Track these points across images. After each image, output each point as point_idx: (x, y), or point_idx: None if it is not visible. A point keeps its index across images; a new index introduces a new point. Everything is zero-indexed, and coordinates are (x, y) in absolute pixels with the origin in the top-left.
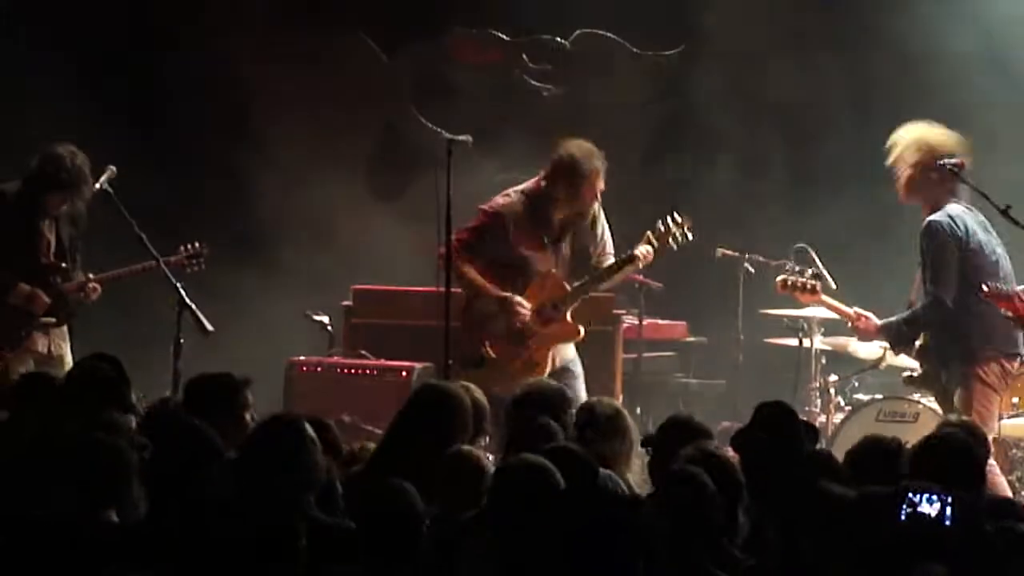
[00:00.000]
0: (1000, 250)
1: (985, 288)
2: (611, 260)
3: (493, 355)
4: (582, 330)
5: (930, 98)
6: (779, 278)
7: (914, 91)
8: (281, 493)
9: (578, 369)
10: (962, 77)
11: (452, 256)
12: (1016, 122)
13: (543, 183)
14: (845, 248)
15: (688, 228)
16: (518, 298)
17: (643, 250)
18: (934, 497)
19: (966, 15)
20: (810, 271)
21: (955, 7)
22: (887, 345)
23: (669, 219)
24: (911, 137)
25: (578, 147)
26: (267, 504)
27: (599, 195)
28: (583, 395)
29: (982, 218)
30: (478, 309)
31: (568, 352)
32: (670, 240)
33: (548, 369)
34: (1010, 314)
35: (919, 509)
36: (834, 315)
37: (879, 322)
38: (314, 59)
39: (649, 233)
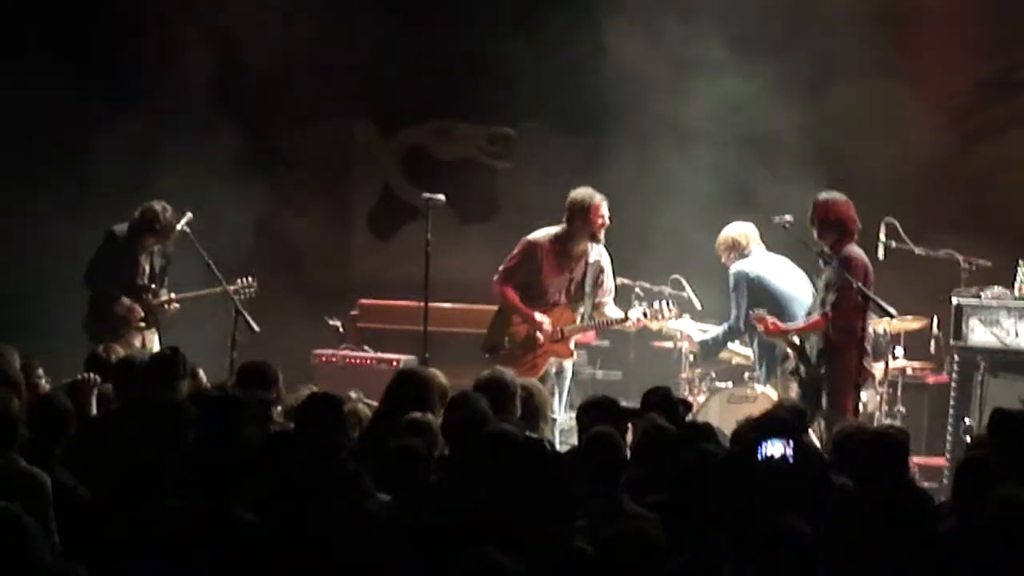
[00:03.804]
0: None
1: (751, 313)
2: (609, 301)
3: (507, 351)
4: (574, 352)
5: None
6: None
7: None
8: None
9: (569, 372)
10: None
11: (499, 281)
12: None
13: (564, 224)
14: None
15: (671, 318)
16: (546, 319)
17: (635, 316)
18: (778, 441)
19: None
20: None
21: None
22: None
23: (665, 304)
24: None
25: (581, 189)
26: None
27: (606, 222)
28: (565, 388)
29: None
30: (507, 317)
31: (566, 361)
32: (653, 322)
33: (544, 370)
34: (762, 328)
35: (770, 451)
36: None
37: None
38: (334, 137)
39: (646, 306)
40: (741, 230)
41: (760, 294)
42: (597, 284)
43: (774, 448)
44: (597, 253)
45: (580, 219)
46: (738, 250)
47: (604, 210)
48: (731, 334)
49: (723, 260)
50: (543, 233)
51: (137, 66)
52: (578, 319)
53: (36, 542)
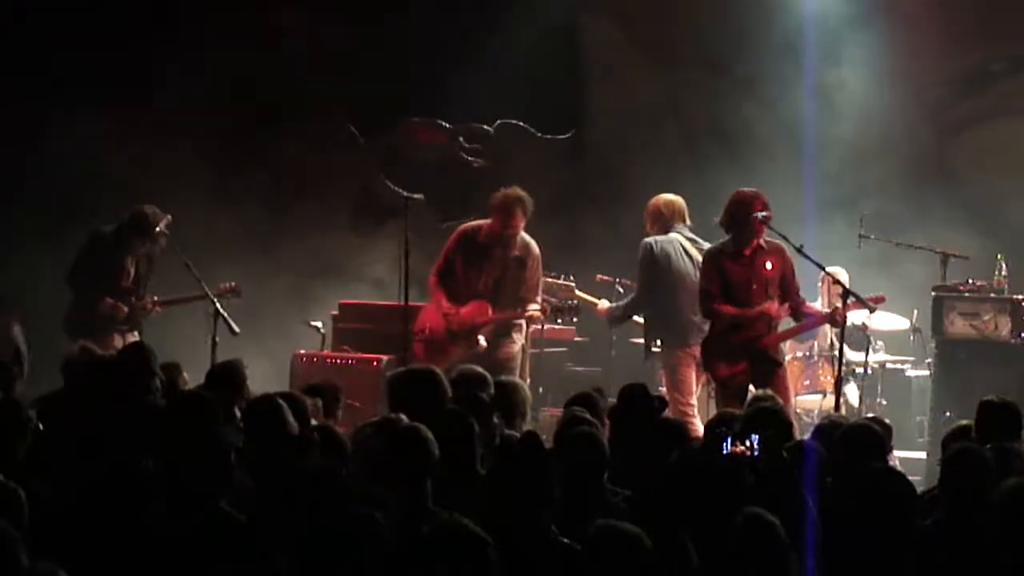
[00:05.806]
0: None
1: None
2: (533, 297)
3: (426, 336)
4: (480, 342)
5: None
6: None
7: None
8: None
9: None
10: None
11: (433, 283)
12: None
13: (489, 219)
14: None
15: (569, 319)
16: (459, 310)
17: (533, 308)
18: (744, 436)
19: None
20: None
21: None
22: None
23: (568, 304)
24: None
25: (508, 190)
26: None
27: (516, 232)
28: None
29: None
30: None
31: (507, 349)
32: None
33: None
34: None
35: (734, 446)
36: None
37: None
38: (313, 136)
39: (552, 300)
40: (668, 202)
41: (657, 271)
42: (519, 279)
43: (742, 443)
44: (522, 248)
45: (500, 214)
46: (661, 222)
47: (517, 222)
48: (632, 306)
49: (647, 227)
50: (468, 224)
51: (106, 65)
52: (490, 311)
53: (14, 548)
